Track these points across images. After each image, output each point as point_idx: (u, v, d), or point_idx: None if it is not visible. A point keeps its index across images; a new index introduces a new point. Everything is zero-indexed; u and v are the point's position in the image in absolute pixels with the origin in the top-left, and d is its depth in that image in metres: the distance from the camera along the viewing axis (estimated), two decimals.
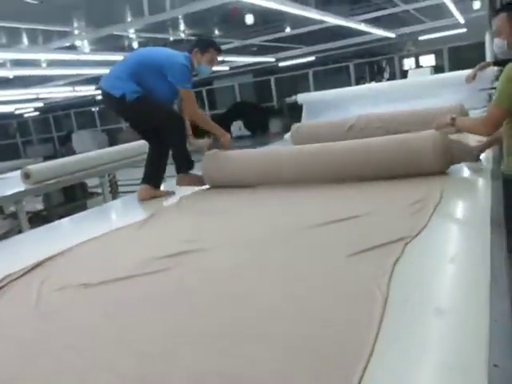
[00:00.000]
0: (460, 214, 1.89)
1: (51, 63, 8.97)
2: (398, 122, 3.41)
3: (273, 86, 13.69)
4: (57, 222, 2.90)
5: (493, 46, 2.44)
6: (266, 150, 3.59)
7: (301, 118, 5.51)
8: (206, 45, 2.94)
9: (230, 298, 1.30)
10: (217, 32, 9.20)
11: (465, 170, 2.43)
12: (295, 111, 6.05)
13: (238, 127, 13.95)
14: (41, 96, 12.71)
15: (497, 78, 3.66)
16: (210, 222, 2.20)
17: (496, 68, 4.13)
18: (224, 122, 14.47)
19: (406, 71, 14.53)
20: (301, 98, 5.83)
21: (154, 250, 1.79)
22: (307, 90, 11.05)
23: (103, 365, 1.04)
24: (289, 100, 5.99)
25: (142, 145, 6.03)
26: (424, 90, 4.68)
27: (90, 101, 16.67)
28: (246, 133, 14.01)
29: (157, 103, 2.83)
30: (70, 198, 6.08)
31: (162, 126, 2.90)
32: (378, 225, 1.75)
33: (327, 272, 1.37)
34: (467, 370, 0.83)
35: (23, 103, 14.53)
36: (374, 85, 6.35)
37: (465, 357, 0.88)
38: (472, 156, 2.38)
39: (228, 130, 12.42)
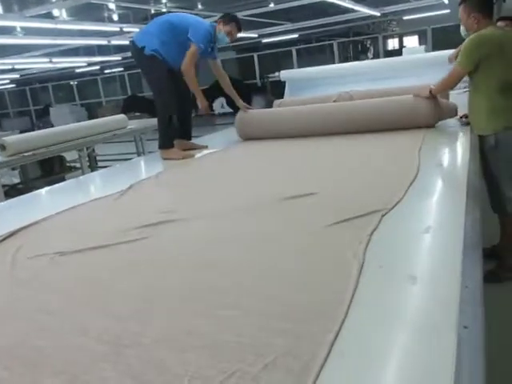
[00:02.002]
0: (440, 175, 1.95)
1: (28, 32, 8.68)
2: (380, 99, 3.40)
3: (256, 63, 13.52)
4: (32, 194, 2.84)
5: (460, 30, 2.81)
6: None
7: (284, 95, 5.48)
8: (229, 19, 3.25)
9: (206, 265, 1.30)
10: (200, 6, 9.00)
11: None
12: (278, 88, 6.01)
13: (220, 104, 13.80)
14: (17, 67, 12.32)
15: None
16: (190, 192, 2.19)
17: None
18: (206, 98, 14.35)
19: (390, 51, 14.51)
20: (284, 74, 5.78)
21: (131, 220, 1.77)
22: (290, 67, 10.95)
23: (77, 326, 1.03)
24: (272, 77, 5.96)
25: (120, 119, 5.95)
26: (406, 69, 4.67)
27: (68, 74, 16.27)
28: (229, 110, 13.87)
29: (161, 74, 3.08)
30: (48, 172, 5.97)
31: (154, 97, 3.24)
32: (358, 193, 1.78)
33: (305, 241, 1.38)
34: (438, 332, 0.85)
35: None
36: (357, 63, 6.31)
37: (436, 319, 0.89)
38: (453, 113, 2.97)
39: (210, 107, 12.28)
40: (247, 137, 3.37)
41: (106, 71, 16.98)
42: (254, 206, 1.78)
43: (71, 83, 17.55)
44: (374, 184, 1.88)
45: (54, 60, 11.41)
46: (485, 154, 2.44)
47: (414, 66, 4.63)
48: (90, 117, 15.11)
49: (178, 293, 1.15)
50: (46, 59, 11.09)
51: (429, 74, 4.44)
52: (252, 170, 2.50)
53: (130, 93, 16.49)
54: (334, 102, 3.72)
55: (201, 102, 3.33)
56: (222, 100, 13.86)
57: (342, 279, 1.06)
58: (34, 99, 18.46)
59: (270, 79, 8.30)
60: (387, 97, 3.17)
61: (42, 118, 15.68)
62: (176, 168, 2.80)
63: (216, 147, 3.27)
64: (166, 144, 3.21)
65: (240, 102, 3.58)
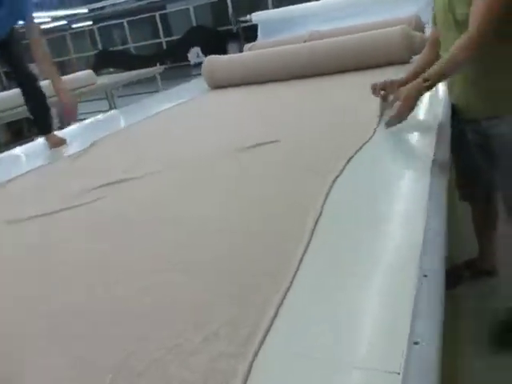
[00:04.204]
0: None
1: None
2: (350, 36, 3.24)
3: (229, 7, 12.94)
4: None
5: None
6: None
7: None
8: None
9: (159, 222, 1.22)
10: None
11: None
12: (254, 33, 5.77)
13: (195, 54, 13.33)
14: None
15: None
16: (152, 147, 2.08)
17: None
18: (180, 48, 13.84)
19: None
20: (256, 16, 5.51)
21: (88, 181, 1.67)
22: (266, 9, 10.50)
23: (21, 296, 0.97)
24: (243, 21, 5.67)
25: (87, 75, 5.68)
26: (380, 3, 4.45)
27: None
28: (204, 59, 13.44)
29: None
30: (17, 135, 5.76)
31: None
32: (323, 139, 1.68)
33: (263, 191, 1.30)
34: (396, 279, 0.79)
35: None
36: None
37: (395, 267, 0.83)
38: None
39: (185, 57, 11.87)
40: (216, 85, 3.21)
41: (74, 26, 16.19)
42: (214, 157, 1.68)
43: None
44: (340, 128, 1.77)
45: None
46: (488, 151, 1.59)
47: None
48: (62, 75, 14.55)
49: (129, 255, 1.07)
50: None
51: (408, 7, 4.27)
52: (216, 119, 2.37)
53: (101, 47, 15.84)
54: (305, 42, 3.55)
55: (63, 99, 2.39)
56: (197, 49, 13.39)
57: (298, 230, 0.99)
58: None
59: (243, 24, 7.88)
60: (359, 33, 3.01)
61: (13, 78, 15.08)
62: (142, 123, 2.65)
63: (184, 98, 3.11)
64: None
65: (58, 86, 2.41)
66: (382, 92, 1.81)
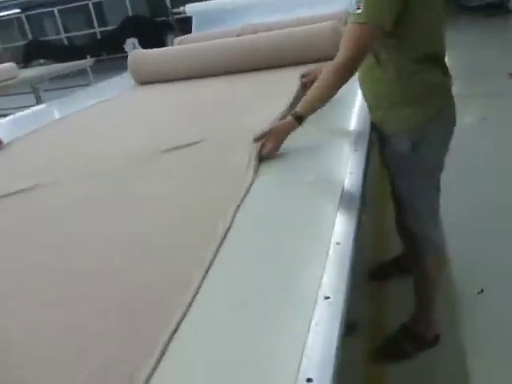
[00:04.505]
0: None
1: None
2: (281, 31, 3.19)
3: None
4: None
5: None
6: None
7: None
8: None
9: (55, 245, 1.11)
10: None
11: None
12: (190, 25, 5.62)
13: (132, 45, 12.87)
14: None
15: None
16: (70, 147, 1.93)
17: None
18: (116, 39, 13.32)
19: None
20: (189, 8, 5.37)
21: None
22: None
23: None
24: (176, 12, 5.47)
25: (8, 68, 5.30)
26: None
27: None
28: (130, 54, 13.02)
29: None
30: None
31: None
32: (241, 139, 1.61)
33: (173, 202, 1.22)
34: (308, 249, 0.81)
35: None
36: None
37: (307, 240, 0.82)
38: None
39: (121, 48, 11.43)
40: (142, 81, 3.06)
41: (0, 14, 15.19)
42: (131, 161, 1.56)
43: None
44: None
45: None
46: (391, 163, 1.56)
47: None
48: None
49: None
50: None
51: (340, 1, 4.28)
52: (140, 118, 2.24)
53: (31, 37, 14.99)
54: (238, 36, 3.47)
55: None
56: (133, 40, 12.95)
57: (199, 256, 0.91)
58: None
59: (175, 14, 7.66)
60: (290, 28, 2.96)
61: None
62: (61, 121, 2.46)
63: (111, 94, 2.94)
64: None
65: None
66: (303, 79, 1.85)
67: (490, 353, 1.69)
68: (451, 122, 1.50)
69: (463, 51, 6.60)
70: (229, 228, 0.98)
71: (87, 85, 6.46)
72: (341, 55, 1.34)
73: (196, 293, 0.79)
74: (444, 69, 1.47)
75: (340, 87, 1.36)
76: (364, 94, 1.56)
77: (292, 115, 1.38)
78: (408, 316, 1.76)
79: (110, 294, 0.85)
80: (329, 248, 0.86)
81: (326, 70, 1.38)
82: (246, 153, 1.35)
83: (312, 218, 1.00)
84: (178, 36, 7.13)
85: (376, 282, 2.07)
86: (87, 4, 13.67)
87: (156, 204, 1.21)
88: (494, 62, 5.82)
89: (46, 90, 6.02)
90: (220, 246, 0.92)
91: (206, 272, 0.84)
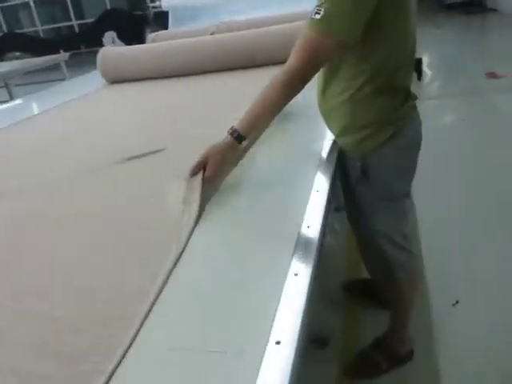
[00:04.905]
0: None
1: None
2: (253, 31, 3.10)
3: None
4: None
5: None
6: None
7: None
8: None
9: None
10: None
11: None
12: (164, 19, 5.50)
13: (110, 38, 12.63)
14: None
15: None
16: (18, 156, 1.81)
17: None
18: (94, 32, 13.03)
19: None
20: (165, 2, 5.23)
21: None
22: None
23: None
24: (153, 6, 5.33)
25: None
26: None
27: None
28: (121, 44, 12.78)
29: None
30: None
31: None
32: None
33: (107, 227, 1.13)
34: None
35: None
36: None
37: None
38: None
39: (99, 41, 11.17)
40: (112, 80, 2.95)
41: None
42: (80, 173, 1.46)
43: None
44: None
45: None
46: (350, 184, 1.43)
47: None
48: None
49: None
50: None
51: None
52: (103, 122, 2.14)
53: (5, 29, 14.58)
54: (212, 34, 3.37)
55: None
56: (112, 34, 12.70)
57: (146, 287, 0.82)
58: None
59: (152, 8, 7.46)
60: (267, 26, 2.87)
61: None
62: (18, 125, 2.33)
63: (78, 93, 2.81)
64: None
65: None
66: None
67: (463, 367, 1.64)
68: (411, 142, 1.35)
69: (441, 49, 6.61)
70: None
71: (63, 79, 6.28)
72: (291, 65, 1.14)
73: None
74: (407, 95, 1.31)
75: (286, 103, 1.18)
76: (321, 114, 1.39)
77: (231, 134, 1.18)
78: (382, 331, 1.70)
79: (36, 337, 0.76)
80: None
81: (270, 81, 1.18)
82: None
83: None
84: (155, 31, 6.98)
85: (349, 294, 2.00)
86: None
87: (88, 230, 1.11)
88: (472, 61, 5.82)
89: (17, 85, 5.81)
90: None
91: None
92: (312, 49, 1.12)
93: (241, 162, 1.28)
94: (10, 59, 10.18)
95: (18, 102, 3.28)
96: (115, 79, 2.94)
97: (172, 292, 0.81)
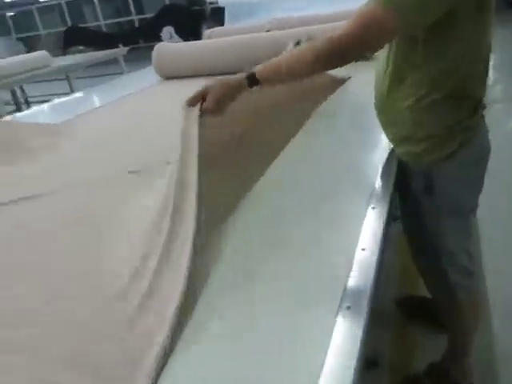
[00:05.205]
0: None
1: None
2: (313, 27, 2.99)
3: None
4: None
5: None
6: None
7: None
8: None
9: None
10: None
11: None
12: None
13: (168, 33, 12.86)
14: None
15: None
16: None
17: None
18: (153, 27, 13.30)
19: None
20: None
21: None
22: None
23: None
24: (210, 2, 5.32)
25: (40, 57, 5.29)
26: None
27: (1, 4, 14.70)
28: (178, 39, 12.97)
29: None
30: None
31: None
32: None
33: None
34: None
35: None
36: None
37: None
38: None
39: (157, 36, 11.43)
40: (166, 75, 2.93)
41: (42, 0, 15.42)
42: (94, 183, 1.37)
43: (5, 15, 15.95)
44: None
45: None
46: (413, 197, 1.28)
47: None
48: (28, 51, 13.88)
49: None
50: None
51: None
52: (156, 119, 2.08)
53: (70, 24, 15.17)
54: (268, 31, 3.29)
55: None
56: (170, 29, 12.92)
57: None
58: None
59: (212, 5, 7.46)
60: (322, 23, 2.76)
61: None
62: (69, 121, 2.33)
63: (133, 89, 2.82)
64: None
65: None
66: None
67: None
68: (479, 153, 1.22)
69: (508, 50, 6.20)
70: None
71: (121, 73, 6.42)
72: (337, 33, 0.98)
73: None
74: (477, 105, 1.15)
75: (313, 74, 1.05)
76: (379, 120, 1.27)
77: (245, 73, 1.11)
78: (438, 356, 1.56)
79: None
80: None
81: (312, 43, 1.03)
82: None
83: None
84: (211, 26, 7.00)
85: (402, 310, 1.87)
86: None
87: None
88: None
89: (78, 78, 6.00)
90: None
91: None
92: (367, 20, 0.95)
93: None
94: (73, 53, 10.58)
95: (78, 95, 3.36)
96: (169, 75, 2.93)
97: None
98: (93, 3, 14.66)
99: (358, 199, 1.04)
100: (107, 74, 7.20)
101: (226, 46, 2.82)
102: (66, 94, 5.89)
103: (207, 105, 1.12)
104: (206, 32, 3.71)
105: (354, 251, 0.83)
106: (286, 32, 2.85)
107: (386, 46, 1.11)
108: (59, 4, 15.21)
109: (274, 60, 1.09)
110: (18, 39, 15.57)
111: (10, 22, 16.01)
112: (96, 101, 2.88)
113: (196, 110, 1.08)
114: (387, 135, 1.28)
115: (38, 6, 15.48)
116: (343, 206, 1.03)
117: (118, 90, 2.89)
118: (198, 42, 3.30)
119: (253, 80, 1.09)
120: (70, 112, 2.42)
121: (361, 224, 0.92)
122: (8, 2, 14.70)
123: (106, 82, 3.61)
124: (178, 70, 2.89)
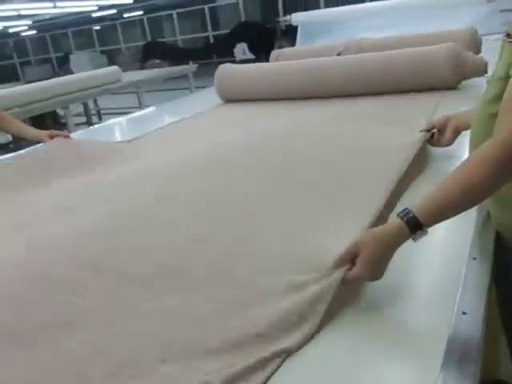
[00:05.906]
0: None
1: None
2: (392, 49, 2.74)
3: (279, 4, 12.44)
4: None
5: None
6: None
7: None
8: None
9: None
10: None
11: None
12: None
13: (241, 50, 12.99)
14: (22, 13, 11.54)
15: None
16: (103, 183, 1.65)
17: None
18: (227, 44, 13.51)
19: None
20: (296, 17, 5.08)
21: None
22: (318, 7, 9.97)
23: None
24: (283, 20, 5.23)
25: (112, 72, 5.42)
26: (432, 10, 3.89)
27: (87, 19, 15.61)
28: (251, 56, 13.07)
29: None
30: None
31: None
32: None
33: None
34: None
35: (7, 21, 13.45)
36: (381, 3, 5.30)
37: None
38: (482, 69, 2.16)
39: (231, 52, 11.61)
40: (228, 98, 2.80)
41: (125, 15, 16.20)
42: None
43: (91, 29, 16.93)
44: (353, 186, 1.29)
45: (58, 4, 10.62)
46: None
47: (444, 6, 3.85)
48: (110, 63, 14.60)
49: None
50: (49, 3, 10.36)
51: (463, 16, 3.70)
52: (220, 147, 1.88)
53: (149, 38, 15.81)
54: (338, 55, 3.07)
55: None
56: (243, 45, 13.06)
57: None
58: (55, 46, 18.02)
59: (281, 23, 7.38)
60: (401, 48, 2.50)
61: (63, 66, 15.27)
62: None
63: (193, 111, 2.70)
64: None
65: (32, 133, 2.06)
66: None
67: None
68: None
69: None
70: None
71: (188, 88, 6.48)
72: (506, 136, 0.80)
73: None
74: None
75: (497, 187, 0.83)
76: None
77: (402, 217, 0.82)
78: None
79: None
80: None
81: (473, 156, 0.86)
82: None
83: None
84: (283, 45, 6.85)
85: None
86: (203, 8, 14.03)
87: None
88: None
89: (146, 91, 6.11)
90: None
91: None
92: None
93: None
94: (151, 65, 10.96)
95: (145, 111, 3.34)
96: (229, 98, 2.79)
97: None
98: (172, 19, 15.18)
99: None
100: (175, 89, 7.31)
101: (287, 70, 2.65)
102: (136, 107, 6.06)
103: (356, 271, 0.82)
104: (274, 52, 3.55)
105: None
106: (355, 57, 2.62)
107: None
108: (141, 19, 15.90)
109: (436, 193, 0.84)
110: (102, 52, 16.43)
111: (95, 36, 16.95)
112: (162, 119, 2.80)
113: (338, 276, 0.83)
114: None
115: (121, 21, 16.29)
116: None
117: (184, 109, 2.81)
118: (260, 64, 3.16)
119: (416, 224, 0.82)
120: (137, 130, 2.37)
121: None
122: (95, 17, 15.57)
123: (172, 99, 3.58)
124: (238, 94, 2.75)
